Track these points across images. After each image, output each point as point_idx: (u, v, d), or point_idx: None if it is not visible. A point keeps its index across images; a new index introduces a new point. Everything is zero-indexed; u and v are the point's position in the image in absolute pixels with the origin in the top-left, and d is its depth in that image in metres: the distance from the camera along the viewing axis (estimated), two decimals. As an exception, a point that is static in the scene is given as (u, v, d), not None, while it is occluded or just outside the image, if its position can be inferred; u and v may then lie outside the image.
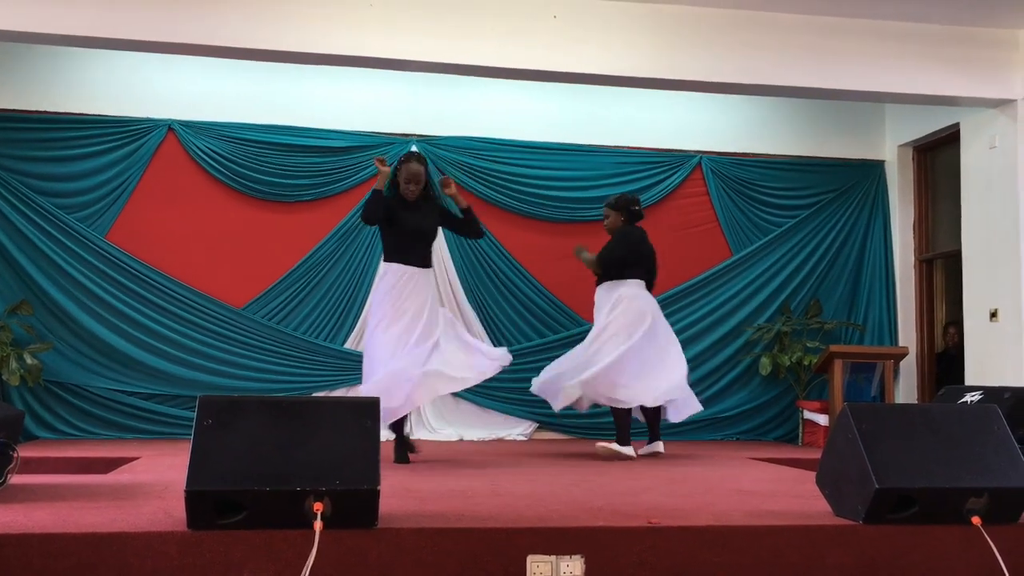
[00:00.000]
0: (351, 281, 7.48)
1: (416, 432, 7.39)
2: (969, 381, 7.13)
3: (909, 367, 8.05)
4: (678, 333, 7.88)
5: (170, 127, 7.34)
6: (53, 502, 3.31)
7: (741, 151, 8.18)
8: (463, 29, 6.12)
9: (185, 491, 2.70)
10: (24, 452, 3.62)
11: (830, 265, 8.22)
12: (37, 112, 7.18)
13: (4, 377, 6.49)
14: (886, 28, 6.61)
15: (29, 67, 7.19)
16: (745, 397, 7.99)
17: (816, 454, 5.01)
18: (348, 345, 7.43)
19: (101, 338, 7.06)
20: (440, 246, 7.56)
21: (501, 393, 7.49)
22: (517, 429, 7.61)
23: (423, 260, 5.32)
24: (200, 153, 7.35)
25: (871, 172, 8.34)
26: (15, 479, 3.55)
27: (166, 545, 2.68)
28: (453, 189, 5.51)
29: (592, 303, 6.15)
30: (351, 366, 7.40)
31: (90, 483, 4.04)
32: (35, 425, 6.89)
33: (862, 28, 6.57)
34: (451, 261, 7.57)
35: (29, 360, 6.61)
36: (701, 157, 8.07)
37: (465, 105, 7.75)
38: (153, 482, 4.08)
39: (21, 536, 2.65)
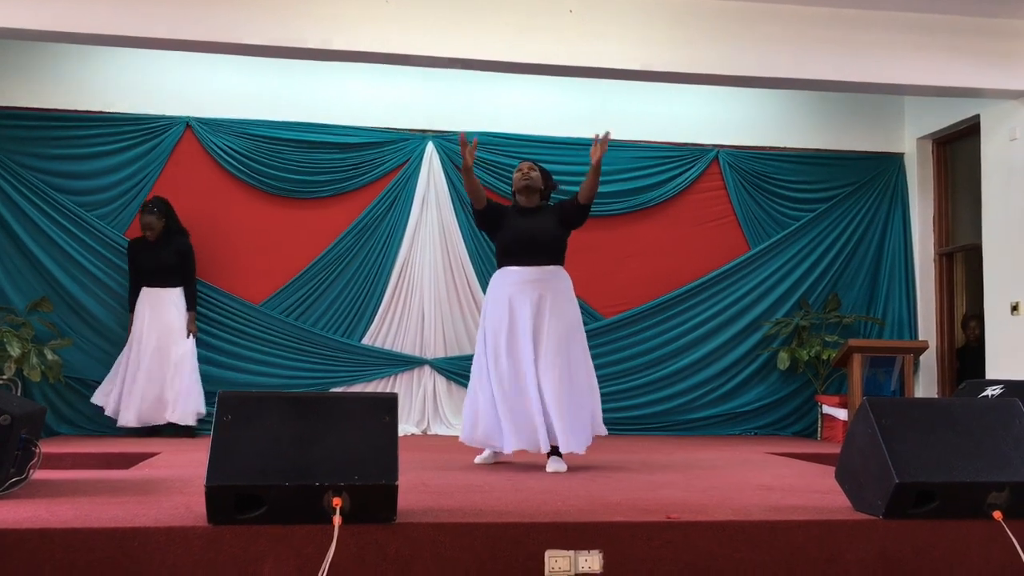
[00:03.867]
0: (368, 277, 7.50)
1: (433, 427, 7.42)
2: (990, 375, 7.08)
3: (929, 361, 7.99)
4: (695, 329, 7.92)
5: (188, 124, 7.38)
6: (75, 497, 3.34)
7: (758, 144, 8.15)
8: (479, 24, 6.12)
9: (205, 486, 2.72)
10: (45, 448, 3.66)
11: (849, 259, 8.17)
12: (56, 110, 7.23)
13: (25, 373, 6.54)
14: (905, 19, 6.55)
15: (48, 66, 7.24)
16: (763, 392, 7.96)
17: (835, 449, 4.99)
18: (366, 341, 7.45)
19: (121, 334, 7.10)
20: (456, 240, 7.58)
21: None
22: (534, 424, 7.61)
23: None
24: (218, 150, 7.38)
25: (890, 165, 8.29)
26: (37, 474, 3.58)
27: (187, 540, 2.70)
28: None
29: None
30: (369, 362, 7.43)
31: (111, 478, 4.07)
32: (56, 421, 6.95)
33: (881, 20, 6.52)
34: (467, 256, 7.58)
35: (50, 356, 6.65)
36: (718, 151, 8.04)
37: (481, 100, 7.75)
38: (173, 477, 4.10)
39: (44, 531, 2.68)
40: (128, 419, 6.66)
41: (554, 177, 7.82)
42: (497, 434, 4.65)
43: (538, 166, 5.03)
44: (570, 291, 4.88)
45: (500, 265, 4.93)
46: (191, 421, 6.78)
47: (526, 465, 4.86)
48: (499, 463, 5.02)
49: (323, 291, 7.46)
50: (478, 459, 4.96)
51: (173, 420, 6.71)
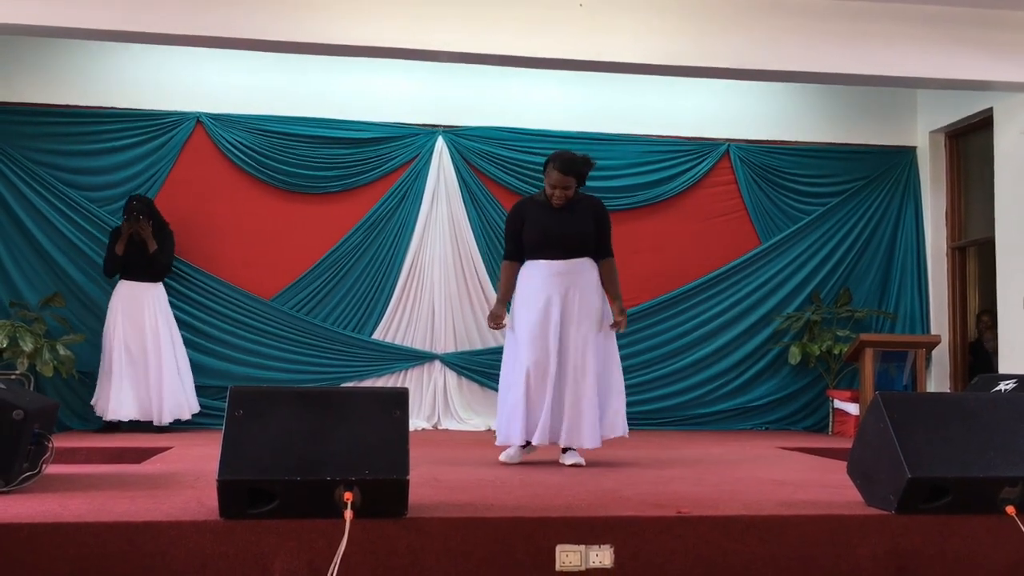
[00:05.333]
0: (378, 272, 7.51)
1: (443, 422, 7.43)
2: (1003, 370, 7.04)
3: (941, 356, 7.96)
4: (706, 324, 7.91)
5: (198, 120, 7.39)
6: (87, 491, 3.36)
7: (770, 139, 8.12)
8: (489, 19, 6.11)
9: (217, 480, 2.73)
10: (58, 442, 3.67)
11: (861, 253, 8.14)
12: (67, 106, 7.25)
13: (38, 368, 6.57)
14: (917, 12, 6.51)
15: (59, 62, 7.26)
16: (774, 386, 7.94)
17: (846, 443, 4.98)
18: (376, 336, 7.46)
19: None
20: (466, 234, 7.58)
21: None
22: (545, 419, 7.60)
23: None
24: (228, 145, 7.39)
25: (902, 159, 8.24)
26: (50, 469, 3.60)
27: (199, 534, 2.71)
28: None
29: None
30: (379, 357, 7.44)
31: (123, 473, 4.09)
32: (68, 416, 6.98)
33: (893, 12, 6.48)
34: (477, 251, 7.58)
35: (62, 351, 6.68)
36: (729, 145, 8.01)
37: (491, 95, 7.74)
38: (185, 472, 4.12)
39: (56, 525, 2.69)
40: (120, 412, 6.64)
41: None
42: (520, 427, 4.61)
43: (573, 170, 4.68)
44: (598, 283, 4.79)
45: (528, 258, 4.81)
46: (183, 416, 6.74)
47: (537, 460, 4.86)
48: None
49: (334, 286, 7.47)
50: (503, 456, 4.80)
51: (159, 421, 6.66)
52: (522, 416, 4.61)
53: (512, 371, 4.73)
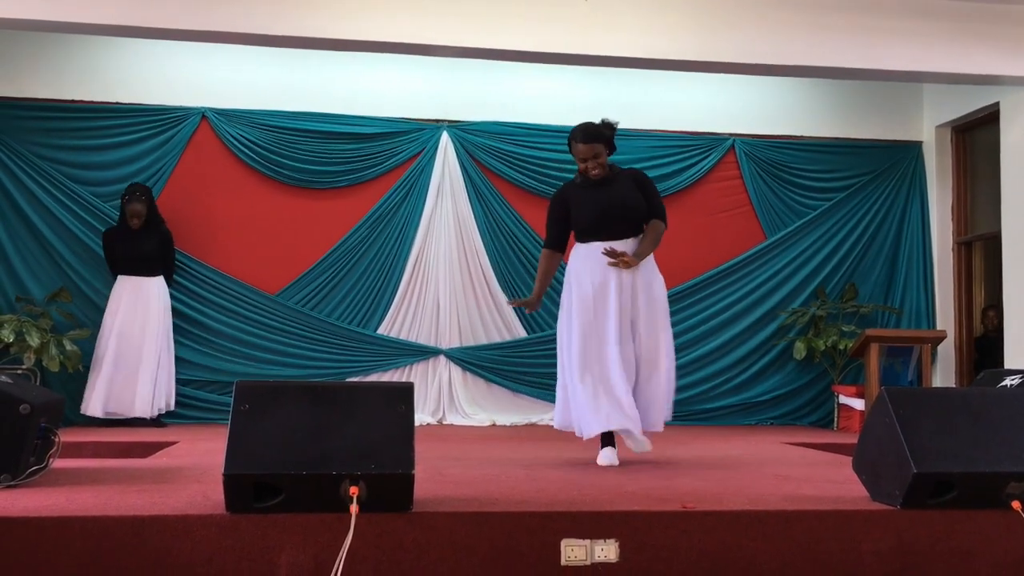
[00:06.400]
0: (383, 267, 7.51)
1: (449, 417, 7.43)
2: (1008, 365, 7.03)
3: (947, 351, 7.95)
4: (711, 318, 7.91)
5: (204, 115, 7.40)
6: (94, 486, 3.37)
7: (775, 133, 8.10)
8: (494, 14, 6.10)
9: (223, 475, 2.74)
10: (65, 437, 3.69)
11: (866, 248, 8.13)
12: (72, 101, 7.26)
13: (44, 363, 6.59)
14: (924, 5, 6.49)
15: (64, 57, 7.27)
16: (779, 382, 7.94)
17: (852, 439, 4.98)
18: (381, 331, 7.46)
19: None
20: (471, 229, 7.58)
21: (533, 378, 7.50)
22: (549, 414, 7.57)
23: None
24: (233, 141, 7.40)
25: (908, 153, 8.23)
26: (57, 463, 3.61)
27: (205, 528, 2.72)
28: None
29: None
30: (384, 352, 7.45)
31: (130, 467, 4.10)
32: (75, 411, 6.99)
33: (900, 6, 6.46)
34: (482, 246, 7.58)
35: (68, 346, 6.70)
36: (734, 140, 8.00)
37: (496, 90, 7.74)
38: (192, 466, 4.13)
39: (63, 519, 2.70)
40: (95, 408, 6.63)
41: (569, 167, 7.78)
42: (588, 415, 4.37)
43: (597, 138, 4.49)
44: (653, 262, 4.59)
45: (580, 240, 4.57)
46: (155, 413, 6.72)
47: (541, 455, 4.86)
48: (516, 453, 5.01)
49: (338, 281, 7.48)
50: (601, 460, 4.48)
51: (140, 415, 6.65)
52: (615, 401, 4.36)
53: (567, 357, 4.48)
